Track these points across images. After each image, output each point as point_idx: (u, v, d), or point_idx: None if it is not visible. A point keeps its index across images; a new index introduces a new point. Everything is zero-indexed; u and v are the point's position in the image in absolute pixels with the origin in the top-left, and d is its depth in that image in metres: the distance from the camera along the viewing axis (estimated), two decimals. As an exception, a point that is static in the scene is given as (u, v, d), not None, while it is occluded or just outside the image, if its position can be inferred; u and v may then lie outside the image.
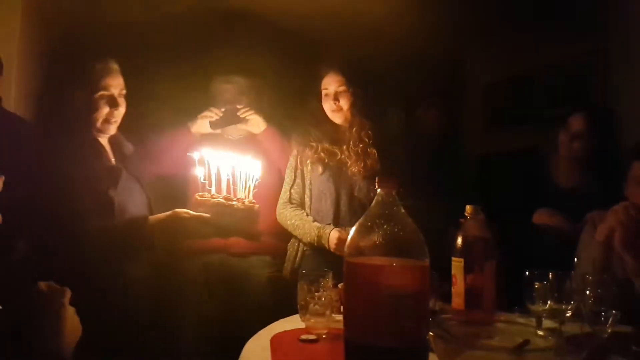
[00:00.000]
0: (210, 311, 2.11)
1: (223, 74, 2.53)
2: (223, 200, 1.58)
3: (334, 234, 2.12)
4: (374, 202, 0.99)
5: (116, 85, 1.80)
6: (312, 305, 1.34)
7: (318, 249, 2.18)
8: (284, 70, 2.68)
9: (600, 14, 2.75)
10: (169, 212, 1.59)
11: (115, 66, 1.82)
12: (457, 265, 1.48)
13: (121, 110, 1.82)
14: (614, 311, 1.19)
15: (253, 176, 1.66)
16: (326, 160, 2.24)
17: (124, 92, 1.82)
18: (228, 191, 1.62)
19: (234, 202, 1.59)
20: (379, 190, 0.98)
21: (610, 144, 2.19)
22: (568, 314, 1.27)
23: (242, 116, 2.40)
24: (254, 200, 1.64)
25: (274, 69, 2.59)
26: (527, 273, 1.31)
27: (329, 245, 2.12)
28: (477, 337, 1.14)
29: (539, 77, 3.19)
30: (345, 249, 0.96)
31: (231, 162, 1.63)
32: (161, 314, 1.79)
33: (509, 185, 2.34)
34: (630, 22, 2.60)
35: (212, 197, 1.58)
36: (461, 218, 1.53)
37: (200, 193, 1.60)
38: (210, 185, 1.60)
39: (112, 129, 1.85)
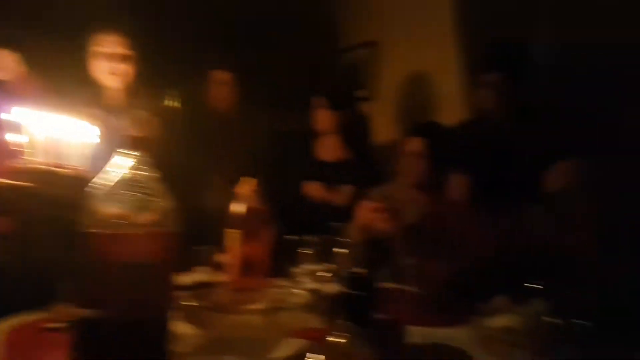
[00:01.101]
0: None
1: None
2: (50, 167, 1.32)
3: None
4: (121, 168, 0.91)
5: None
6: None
7: None
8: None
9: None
10: None
11: None
12: (232, 236, 1.50)
13: None
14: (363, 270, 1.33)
15: (87, 140, 1.43)
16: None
17: None
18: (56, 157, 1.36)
19: (64, 169, 1.34)
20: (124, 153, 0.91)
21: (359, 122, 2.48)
22: (329, 275, 1.36)
23: None
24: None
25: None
26: (291, 238, 1.38)
27: None
28: (241, 303, 1.18)
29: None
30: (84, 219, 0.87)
31: (59, 124, 1.37)
32: None
33: (288, 161, 2.49)
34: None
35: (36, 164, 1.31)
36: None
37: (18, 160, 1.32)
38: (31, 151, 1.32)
39: None
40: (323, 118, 2.41)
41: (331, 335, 0.58)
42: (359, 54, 3.20)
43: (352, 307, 0.56)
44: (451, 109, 2.56)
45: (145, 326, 0.82)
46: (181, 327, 1.07)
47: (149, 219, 0.82)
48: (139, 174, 0.85)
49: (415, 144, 2.06)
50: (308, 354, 0.57)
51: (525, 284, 1.10)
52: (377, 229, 1.67)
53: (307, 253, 1.40)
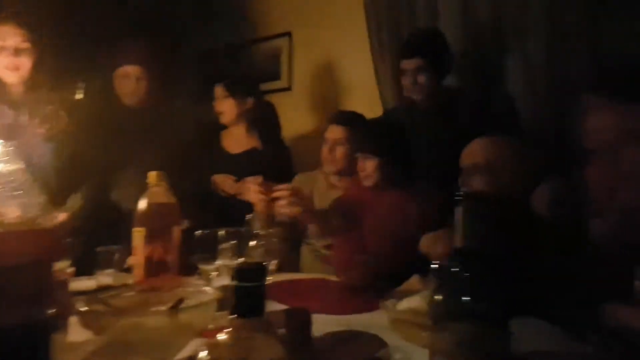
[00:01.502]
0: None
1: None
2: None
3: None
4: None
5: None
6: None
7: None
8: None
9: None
10: None
11: None
12: (138, 235, 1.41)
13: None
14: (276, 260, 1.31)
15: None
16: None
17: None
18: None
19: None
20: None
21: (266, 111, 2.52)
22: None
23: None
24: None
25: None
26: (203, 233, 1.32)
27: None
28: (146, 305, 1.12)
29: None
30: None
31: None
32: None
33: (196, 153, 2.43)
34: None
35: None
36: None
37: None
38: None
39: None
40: (224, 107, 2.39)
41: (224, 332, 0.54)
42: (274, 45, 3.17)
43: (243, 299, 0.52)
44: (367, 96, 2.61)
45: (17, 334, 0.73)
46: (77, 334, 1.00)
47: (17, 216, 0.74)
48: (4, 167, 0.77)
49: (335, 132, 2.08)
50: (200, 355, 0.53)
51: (431, 264, 1.13)
52: (282, 214, 1.66)
53: (219, 248, 1.35)
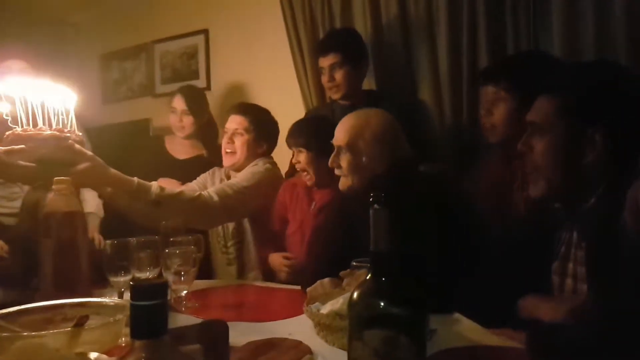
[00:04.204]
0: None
1: None
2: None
3: None
4: None
5: None
6: None
7: None
8: None
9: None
10: None
11: None
12: (45, 244, 1.29)
13: None
14: (193, 268, 1.26)
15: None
16: None
17: None
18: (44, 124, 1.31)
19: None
20: None
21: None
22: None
23: None
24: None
25: None
26: (119, 241, 1.23)
27: None
28: (48, 324, 1.02)
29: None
30: None
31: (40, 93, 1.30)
32: None
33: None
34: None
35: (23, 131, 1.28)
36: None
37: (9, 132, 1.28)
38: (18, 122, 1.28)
39: None
40: (185, 122, 2.48)
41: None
42: (191, 42, 3.10)
43: (141, 320, 0.48)
44: (289, 97, 2.59)
45: None
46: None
47: None
48: None
49: (234, 122, 2.03)
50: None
51: (353, 262, 1.12)
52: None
53: (130, 257, 1.26)
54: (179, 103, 2.43)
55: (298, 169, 1.90)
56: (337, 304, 0.99)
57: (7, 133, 1.30)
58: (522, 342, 0.89)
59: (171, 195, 1.57)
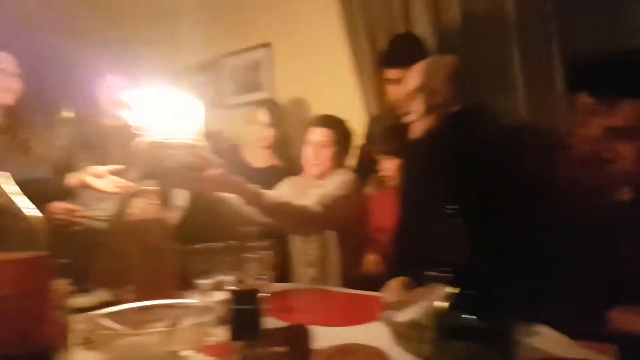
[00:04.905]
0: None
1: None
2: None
3: None
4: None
5: None
6: None
7: None
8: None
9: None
10: None
11: None
12: (133, 250, 1.39)
13: None
14: (271, 272, 1.30)
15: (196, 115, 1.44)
16: None
17: None
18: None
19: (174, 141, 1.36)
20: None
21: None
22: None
23: None
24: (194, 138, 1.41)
25: None
26: (203, 247, 1.31)
27: None
28: (142, 323, 1.10)
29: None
30: None
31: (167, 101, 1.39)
32: None
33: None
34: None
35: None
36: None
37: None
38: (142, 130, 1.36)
39: None
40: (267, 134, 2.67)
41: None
42: (254, 55, 3.21)
43: (240, 323, 0.51)
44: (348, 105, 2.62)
45: None
46: (79, 354, 0.99)
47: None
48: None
49: (319, 134, 2.08)
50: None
51: (427, 272, 1.11)
52: None
53: (219, 262, 1.33)
54: (262, 115, 2.59)
55: (383, 176, 1.92)
56: (415, 313, 0.99)
57: (140, 140, 1.38)
58: (613, 357, 0.85)
59: (282, 204, 1.65)
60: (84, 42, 3.23)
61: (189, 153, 1.38)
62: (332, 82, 2.81)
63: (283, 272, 2.01)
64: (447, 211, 0.60)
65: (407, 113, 1.56)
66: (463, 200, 0.60)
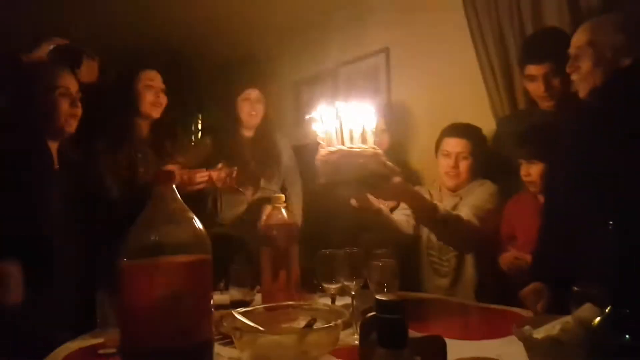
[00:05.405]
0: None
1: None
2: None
3: None
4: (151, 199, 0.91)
5: None
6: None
7: None
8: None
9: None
10: None
11: None
12: (265, 252, 1.48)
13: None
14: (395, 280, 1.30)
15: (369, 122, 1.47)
16: None
17: None
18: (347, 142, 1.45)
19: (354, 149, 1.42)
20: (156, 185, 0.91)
21: None
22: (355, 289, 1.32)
23: None
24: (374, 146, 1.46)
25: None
26: (325, 252, 1.35)
27: None
28: (277, 322, 1.16)
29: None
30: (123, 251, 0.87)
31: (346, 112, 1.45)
32: None
33: None
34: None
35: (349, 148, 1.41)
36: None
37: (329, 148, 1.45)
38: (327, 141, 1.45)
39: None
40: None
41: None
42: (372, 62, 3.21)
43: (385, 331, 0.53)
44: (470, 108, 2.52)
45: (190, 355, 0.81)
46: (224, 350, 1.10)
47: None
48: (168, 204, 0.86)
49: (457, 145, 2.04)
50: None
51: (575, 288, 1.03)
52: None
53: (339, 267, 1.37)
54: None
55: (526, 182, 1.84)
56: (553, 329, 0.93)
57: (328, 149, 1.45)
58: None
59: (454, 217, 1.65)
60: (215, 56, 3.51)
61: (375, 161, 1.40)
62: (451, 86, 2.73)
63: (411, 281, 2.00)
64: (608, 226, 0.56)
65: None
66: (624, 206, 0.56)
